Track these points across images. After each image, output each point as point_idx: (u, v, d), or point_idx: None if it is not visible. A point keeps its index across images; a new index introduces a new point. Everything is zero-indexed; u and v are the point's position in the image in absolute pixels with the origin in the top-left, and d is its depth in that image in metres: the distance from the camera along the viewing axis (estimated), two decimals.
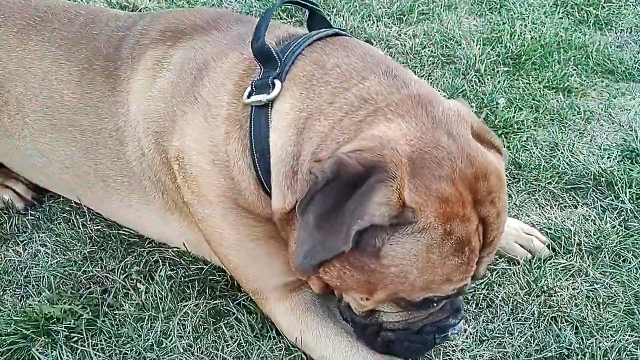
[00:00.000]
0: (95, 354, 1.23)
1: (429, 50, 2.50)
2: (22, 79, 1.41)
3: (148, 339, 1.26)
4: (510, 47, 2.49)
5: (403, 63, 2.40)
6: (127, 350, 1.25)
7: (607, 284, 1.41)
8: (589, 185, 1.73)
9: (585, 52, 2.51)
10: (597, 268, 1.45)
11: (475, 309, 1.36)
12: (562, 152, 1.88)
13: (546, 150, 1.90)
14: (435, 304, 1.07)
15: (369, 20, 2.79)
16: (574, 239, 1.52)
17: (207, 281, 1.39)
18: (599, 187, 1.73)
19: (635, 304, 1.35)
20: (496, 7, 2.96)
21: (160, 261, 1.44)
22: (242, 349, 1.26)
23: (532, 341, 1.27)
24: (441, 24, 2.77)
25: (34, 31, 1.43)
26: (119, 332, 1.28)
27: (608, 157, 1.87)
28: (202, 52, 1.24)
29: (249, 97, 1.10)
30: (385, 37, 2.59)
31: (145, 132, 1.27)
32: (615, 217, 1.61)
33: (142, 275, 1.41)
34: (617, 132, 2.02)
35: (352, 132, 1.01)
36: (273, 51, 1.11)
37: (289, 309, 1.26)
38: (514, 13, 2.90)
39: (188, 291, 1.37)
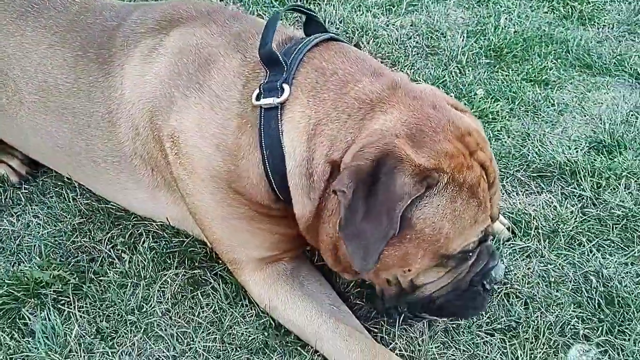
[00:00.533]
0: (81, 316, 1.34)
1: (414, 41, 2.58)
2: (19, 63, 1.50)
3: (130, 304, 1.37)
4: (493, 40, 2.57)
5: (389, 53, 2.49)
6: (110, 314, 1.35)
7: (559, 264, 1.51)
8: (554, 174, 1.83)
9: (566, 47, 2.59)
10: (552, 250, 1.55)
11: None
12: (532, 142, 1.97)
13: (517, 139, 1.99)
14: (471, 254, 1.19)
15: (359, 10, 2.86)
16: (533, 223, 1.62)
17: (187, 253, 1.49)
18: (563, 176, 1.82)
19: (583, 283, 1.45)
20: (484, 1, 3.04)
21: (144, 234, 1.55)
22: (216, 315, 1.36)
23: (484, 314, 1.37)
24: (429, 15, 2.84)
25: (31, 17, 1.52)
26: (103, 297, 1.39)
27: (575, 148, 1.96)
28: (204, 43, 1.33)
29: (257, 99, 1.20)
30: (373, 28, 2.66)
31: (141, 112, 1.36)
32: (575, 203, 1.71)
33: (126, 246, 1.51)
34: (588, 125, 2.11)
35: (357, 131, 1.15)
36: (280, 57, 1.21)
37: (262, 278, 1.36)
38: (501, 6, 2.97)
39: (169, 261, 1.47)
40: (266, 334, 1.32)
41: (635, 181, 1.79)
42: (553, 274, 1.48)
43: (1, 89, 1.53)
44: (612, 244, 1.59)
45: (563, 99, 2.25)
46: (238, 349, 1.29)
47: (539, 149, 1.93)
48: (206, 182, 1.28)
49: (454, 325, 1.35)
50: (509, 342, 1.30)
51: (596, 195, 1.73)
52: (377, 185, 1.05)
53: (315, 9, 2.82)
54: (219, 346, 1.30)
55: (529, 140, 1.99)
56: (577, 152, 1.94)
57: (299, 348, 1.29)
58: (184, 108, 1.28)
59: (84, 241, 1.52)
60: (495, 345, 1.31)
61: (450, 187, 1.10)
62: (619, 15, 2.92)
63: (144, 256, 1.47)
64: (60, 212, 1.61)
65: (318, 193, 1.16)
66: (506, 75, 2.36)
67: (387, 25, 2.72)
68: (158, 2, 1.62)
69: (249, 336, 1.32)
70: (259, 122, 1.20)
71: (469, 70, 2.37)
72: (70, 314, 1.33)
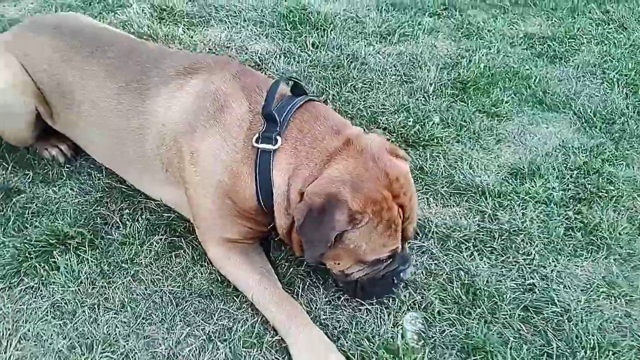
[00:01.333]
0: (91, 261, 1.93)
1: (395, 70, 3.05)
2: (82, 89, 2.04)
3: (125, 256, 1.95)
4: (462, 73, 3.00)
5: (370, 79, 2.96)
6: (111, 261, 1.94)
7: (442, 261, 1.98)
8: (469, 193, 2.28)
9: (527, 83, 2.99)
10: (442, 251, 2.02)
11: None
12: (462, 165, 2.42)
13: (451, 162, 2.44)
14: (384, 261, 1.70)
15: (357, 38, 3.35)
16: (434, 229, 2.09)
17: (171, 224, 2.06)
18: (474, 195, 2.26)
19: (455, 276, 1.92)
20: (472, 35, 3.46)
21: (144, 208, 2.13)
22: (183, 270, 1.92)
23: None
24: (416, 46, 3.29)
25: (96, 57, 2.04)
26: (108, 249, 1.98)
27: (497, 173, 2.40)
28: (220, 90, 1.82)
29: (257, 142, 1.71)
30: (363, 55, 3.15)
31: (166, 131, 1.88)
32: (474, 217, 2.17)
33: (130, 215, 2.10)
34: (516, 154, 2.53)
35: (318, 174, 1.65)
36: (277, 117, 1.71)
37: (221, 248, 1.89)
38: (484, 41, 3.39)
39: (157, 229, 2.05)
40: (214, 285, 1.87)
41: (533, 204, 2.23)
42: (435, 267, 1.95)
43: (70, 105, 2.10)
44: (494, 251, 2.04)
45: (505, 130, 2.67)
46: (193, 294, 1.85)
47: (464, 171, 2.38)
48: (212, 188, 1.81)
49: (345, 298, 1.85)
50: (380, 310, 1.80)
51: (494, 212, 2.18)
52: (323, 215, 1.56)
53: (320, 34, 3.33)
54: (180, 291, 1.86)
55: (460, 163, 2.44)
56: (496, 176, 2.38)
57: (234, 297, 1.84)
58: (205, 135, 1.80)
59: (102, 210, 2.13)
60: (371, 312, 1.81)
61: (370, 223, 1.58)
62: (589, 55, 3.28)
63: (140, 224, 2.06)
64: (88, 188, 2.22)
65: (291, 211, 1.68)
66: (463, 106, 2.79)
67: (377, 53, 3.20)
68: (186, 53, 2.14)
69: (202, 286, 1.87)
70: (256, 159, 1.71)
71: (432, 99, 2.83)
72: (84, 258, 1.93)
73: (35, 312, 1.78)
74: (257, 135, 1.72)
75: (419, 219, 2.13)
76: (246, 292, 1.81)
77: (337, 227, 1.56)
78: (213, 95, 1.83)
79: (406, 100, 2.81)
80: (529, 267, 1.98)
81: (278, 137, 1.70)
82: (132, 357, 1.67)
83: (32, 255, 1.92)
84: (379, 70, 3.04)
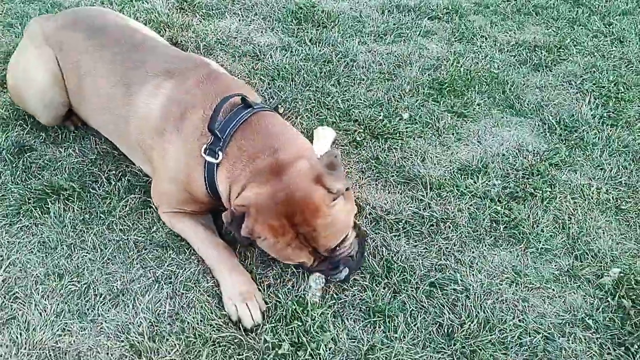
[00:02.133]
0: (76, 210, 2.32)
1: (379, 68, 3.30)
2: (90, 77, 2.40)
3: (104, 208, 2.34)
4: (441, 74, 3.22)
5: (355, 75, 3.23)
6: (92, 212, 2.33)
7: (370, 238, 2.25)
8: (413, 183, 2.52)
9: (502, 88, 3.17)
10: (373, 230, 2.29)
11: None
12: (415, 158, 2.67)
13: (407, 154, 2.69)
14: (308, 265, 1.94)
15: (354, 36, 3.61)
16: (371, 211, 2.36)
17: (146, 187, 2.43)
18: (419, 185, 2.51)
19: (377, 252, 2.19)
20: (465, 39, 3.65)
21: (127, 172, 2.51)
22: (149, 224, 2.29)
23: None
24: (408, 47, 3.52)
25: (104, 50, 2.37)
26: (91, 202, 2.37)
27: (446, 168, 2.63)
28: (184, 98, 2.09)
29: (204, 152, 1.95)
30: (354, 52, 3.42)
31: (144, 125, 2.19)
32: (413, 204, 2.41)
33: (115, 176, 2.49)
34: (470, 152, 2.75)
35: (244, 190, 1.89)
36: (219, 135, 1.96)
37: (172, 213, 2.23)
38: (474, 46, 3.57)
39: (134, 189, 2.43)
40: (170, 239, 2.23)
41: (469, 198, 2.45)
42: (370, 245, 2.23)
43: (80, 89, 2.46)
44: (420, 235, 2.29)
45: (468, 130, 2.88)
46: (152, 244, 2.21)
47: (416, 164, 2.63)
48: (173, 181, 2.15)
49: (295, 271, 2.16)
50: (302, 272, 2.10)
51: (430, 202, 2.42)
52: (238, 223, 1.84)
53: (319, 31, 3.62)
54: (143, 240, 2.22)
55: (415, 156, 2.68)
56: (444, 170, 2.61)
57: (185, 249, 2.19)
58: (170, 139, 2.10)
59: (94, 169, 2.52)
60: (295, 272, 2.11)
61: (269, 241, 1.83)
62: (572, 65, 3.41)
63: (122, 184, 2.44)
64: (87, 151, 2.63)
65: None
66: (434, 105, 3.01)
67: (368, 52, 3.46)
68: (172, 53, 2.41)
69: (161, 238, 2.23)
70: (204, 166, 2.00)
71: (407, 97, 3.07)
72: (71, 207, 2.33)
73: (26, 245, 2.19)
74: (204, 147, 1.98)
75: (365, 204, 2.40)
76: (191, 242, 2.18)
77: (246, 235, 1.85)
78: (178, 102, 2.12)
79: (382, 96, 3.06)
80: (447, 251, 2.22)
81: (220, 152, 1.95)
82: (93, 288, 2.05)
83: (30, 201, 2.34)
84: (364, 67, 3.30)
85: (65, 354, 1.85)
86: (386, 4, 3.98)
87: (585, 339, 1.94)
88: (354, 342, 1.91)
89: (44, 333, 1.89)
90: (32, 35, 2.59)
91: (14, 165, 2.53)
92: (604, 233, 2.32)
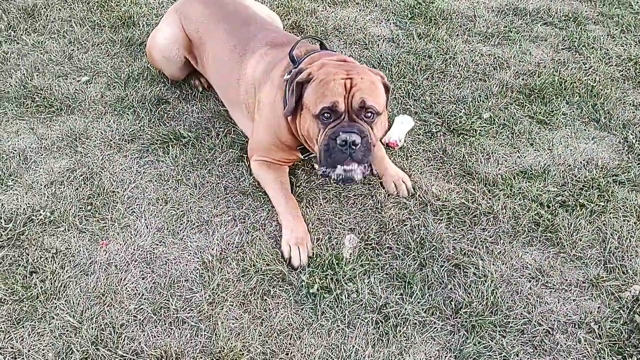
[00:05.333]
0: (189, 155, 2.94)
1: (476, 67, 3.49)
2: (210, 44, 3.01)
3: (208, 156, 2.92)
4: (535, 80, 3.34)
5: (449, 72, 3.47)
6: (201, 158, 2.93)
7: (414, 217, 2.56)
8: (473, 177, 2.76)
9: (594, 101, 3.21)
10: (418, 211, 2.60)
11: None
12: (481, 155, 2.88)
13: (474, 151, 2.92)
14: (327, 114, 2.24)
15: (461, 34, 3.82)
16: (422, 194, 2.66)
17: (244, 145, 2.97)
18: (475, 179, 2.75)
19: (416, 229, 2.50)
20: (573, 48, 3.68)
21: (232, 132, 3.08)
22: (240, 174, 2.83)
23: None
24: (511, 50, 3.66)
25: (222, 23, 2.98)
26: (200, 150, 2.97)
27: (507, 168, 2.81)
28: (277, 58, 2.66)
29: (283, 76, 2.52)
30: (457, 50, 3.63)
31: (251, 85, 2.76)
32: (463, 194, 2.67)
33: (222, 132, 3.06)
34: (537, 157, 2.88)
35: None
36: (296, 58, 2.51)
37: (260, 163, 2.73)
38: (581, 57, 3.60)
39: (234, 145, 2.98)
40: (252, 188, 2.74)
41: (518, 198, 2.63)
42: (405, 219, 2.55)
43: (203, 54, 3.09)
44: (461, 222, 2.55)
45: (544, 137, 3.00)
46: (237, 190, 2.75)
47: (480, 162, 2.85)
48: (265, 127, 2.65)
49: (330, 218, 2.58)
50: (343, 235, 2.50)
51: (480, 195, 2.66)
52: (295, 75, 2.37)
53: (428, 27, 3.87)
54: (232, 185, 2.77)
55: (480, 154, 2.90)
56: (505, 170, 2.80)
57: (260, 198, 2.69)
58: (264, 89, 2.65)
59: (208, 125, 3.12)
60: (340, 232, 2.51)
61: (317, 80, 2.26)
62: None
63: (227, 139, 3.00)
64: (207, 109, 3.23)
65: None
66: (517, 109, 3.17)
67: (470, 51, 3.66)
68: (275, 30, 2.97)
69: (245, 187, 2.76)
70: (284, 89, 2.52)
71: (493, 99, 3.25)
72: (185, 151, 2.96)
73: (147, 175, 2.84)
74: (287, 76, 2.48)
75: (418, 187, 2.72)
76: (268, 189, 2.67)
77: (306, 75, 2.32)
78: (274, 64, 2.64)
79: (468, 94, 3.28)
80: (481, 241, 2.46)
81: (293, 70, 2.44)
82: (187, 215, 2.63)
83: (157, 142, 3.00)
84: (461, 66, 3.51)
85: (158, 259, 2.45)
86: (504, 6, 4.09)
87: (585, 341, 2.10)
88: (373, 297, 2.27)
89: (146, 240, 2.52)
90: (170, 7, 3.27)
91: (152, 113, 3.21)
92: None
